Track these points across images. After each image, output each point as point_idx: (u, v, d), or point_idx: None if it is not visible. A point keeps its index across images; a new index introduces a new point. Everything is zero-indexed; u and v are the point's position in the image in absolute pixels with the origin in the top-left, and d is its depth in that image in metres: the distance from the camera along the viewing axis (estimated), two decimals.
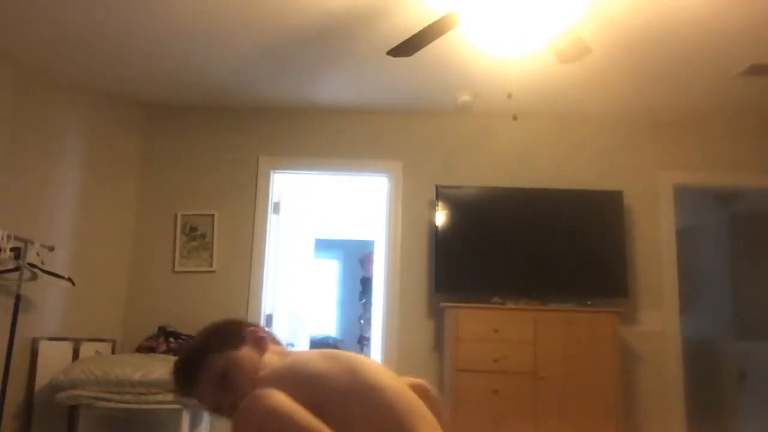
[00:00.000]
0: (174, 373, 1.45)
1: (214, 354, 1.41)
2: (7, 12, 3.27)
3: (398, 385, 1.36)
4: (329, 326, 8.34)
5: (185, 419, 3.52)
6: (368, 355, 5.99)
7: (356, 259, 8.46)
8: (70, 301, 4.04)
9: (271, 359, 1.43)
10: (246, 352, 1.43)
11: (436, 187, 4.35)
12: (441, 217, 4.28)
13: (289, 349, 5.32)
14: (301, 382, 1.29)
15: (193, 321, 4.15)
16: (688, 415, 4.23)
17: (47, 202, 4.00)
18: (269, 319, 4.48)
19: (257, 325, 1.53)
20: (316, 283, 7.34)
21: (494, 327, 3.88)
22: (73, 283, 3.89)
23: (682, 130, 4.59)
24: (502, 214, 4.30)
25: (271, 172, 4.56)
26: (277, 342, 1.54)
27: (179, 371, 1.44)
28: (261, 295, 4.35)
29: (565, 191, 4.34)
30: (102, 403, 3.45)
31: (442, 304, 4.09)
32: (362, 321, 8.03)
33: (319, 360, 1.34)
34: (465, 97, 4.20)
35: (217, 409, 1.41)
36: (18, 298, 3.65)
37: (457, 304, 3.97)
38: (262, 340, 1.48)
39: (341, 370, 1.31)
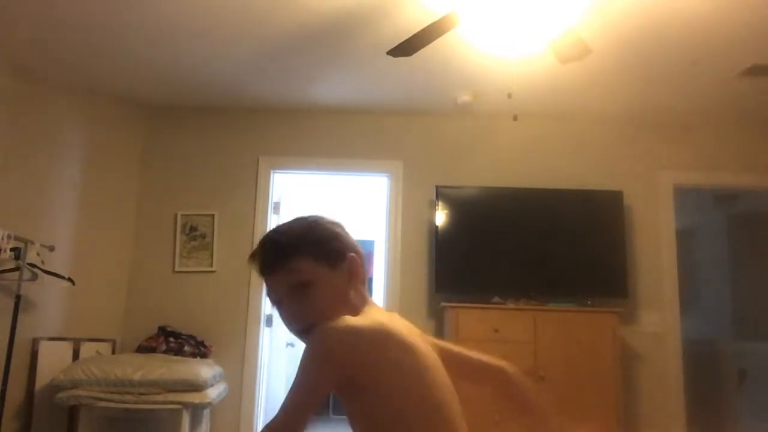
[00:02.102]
0: (260, 250, 1.30)
1: (309, 259, 1.26)
2: (7, 13, 3.27)
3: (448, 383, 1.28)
4: None
5: (185, 419, 3.51)
6: None
7: None
8: (70, 301, 4.03)
9: (354, 300, 1.30)
10: (339, 277, 1.29)
11: (436, 187, 4.35)
12: (441, 217, 4.28)
13: (290, 348, 5.34)
14: (370, 350, 1.18)
15: (193, 321, 4.16)
16: (688, 415, 4.23)
17: (47, 202, 4.00)
18: (269, 319, 4.49)
19: (359, 253, 1.34)
20: None
21: (494, 327, 3.88)
22: (73, 283, 3.88)
23: (682, 130, 4.59)
24: (502, 214, 4.30)
25: (271, 172, 4.56)
26: (365, 284, 1.37)
27: (266, 252, 1.29)
28: (261, 295, 4.35)
29: (565, 191, 4.34)
30: (102, 403, 3.45)
31: (442, 304, 4.09)
32: None
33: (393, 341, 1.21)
34: (465, 97, 4.20)
35: (278, 303, 1.29)
36: (18, 298, 3.65)
37: (457, 304, 3.97)
38: (356, 275, 1.31)
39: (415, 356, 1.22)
